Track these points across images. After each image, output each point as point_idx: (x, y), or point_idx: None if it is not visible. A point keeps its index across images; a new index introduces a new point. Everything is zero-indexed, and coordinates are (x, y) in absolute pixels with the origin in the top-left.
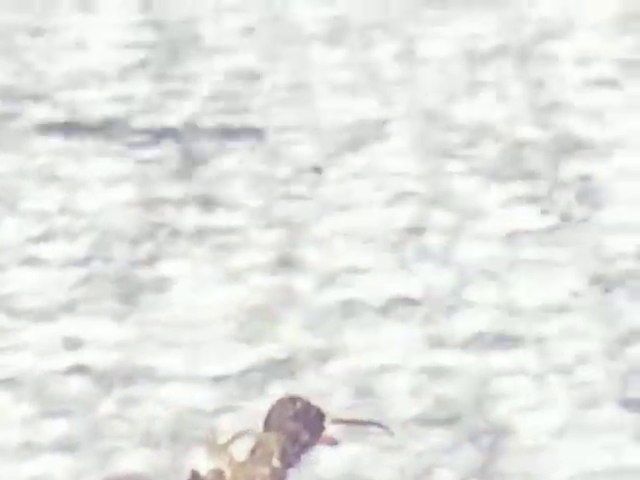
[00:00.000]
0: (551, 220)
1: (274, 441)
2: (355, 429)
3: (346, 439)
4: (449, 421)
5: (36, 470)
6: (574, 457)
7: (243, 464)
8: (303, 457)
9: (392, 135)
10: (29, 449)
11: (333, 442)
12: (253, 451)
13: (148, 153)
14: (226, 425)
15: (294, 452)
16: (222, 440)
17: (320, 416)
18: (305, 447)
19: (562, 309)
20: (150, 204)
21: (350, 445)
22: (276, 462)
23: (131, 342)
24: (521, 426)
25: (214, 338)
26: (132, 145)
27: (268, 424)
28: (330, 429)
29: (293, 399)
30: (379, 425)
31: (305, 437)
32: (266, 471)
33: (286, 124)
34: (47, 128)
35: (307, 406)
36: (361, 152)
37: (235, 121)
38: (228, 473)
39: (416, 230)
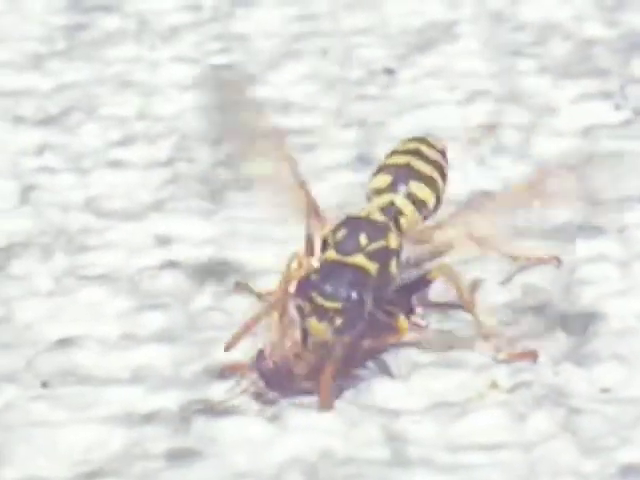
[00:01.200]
0: (625, 114)
1: None
2: None
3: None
4: (538, 308)
5: (139, 360)
6: None
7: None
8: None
9: (461, 36)
10: (129, 340)
11: (423, 326)
12: None
13: (219, 59)
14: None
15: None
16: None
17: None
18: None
19: None
20: (226, 108)
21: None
22: None
23: (221, 238)
24: (610, 311)
25: (301, 233)
26: (204, 52)
27: None
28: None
29: None
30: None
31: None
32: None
33: (355, 28)
34: (118, 38)
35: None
36: (431, 53)
37: (303, 27)
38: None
39: (492, 126)
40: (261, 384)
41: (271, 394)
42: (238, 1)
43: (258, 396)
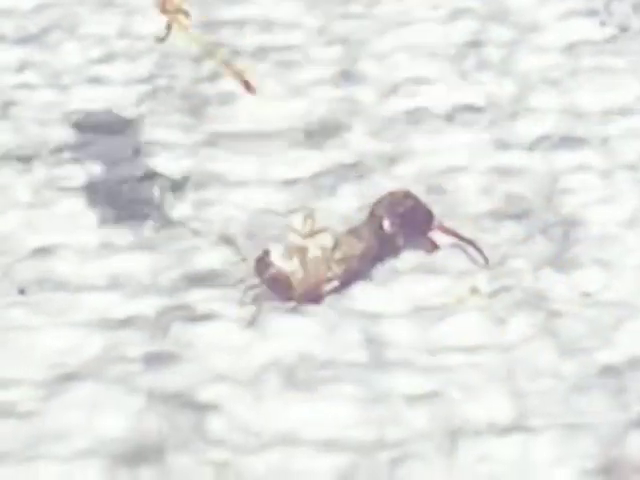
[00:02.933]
0: (609, 31)
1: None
2: (455, 241)
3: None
4: (520, 215)
5: (117, 267)
6: None
7: (316, 260)
8: (386, 261)
9: None
10: (108, 249)
11: (434, 248)
12: (330, 250)
13: None
14: (298, 224)
15: (379, 256)
16: (296, 239)
17: (429, 218)
18: (395, 252)
19: (625, 112)
20: (209, 25)
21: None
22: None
23: (200, 150)
24: (591, 218)
25: (282, 146)
26: None
27: (374, 213)
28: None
29: (406, 194)
30: (479, 249)
31: (400, 243)
32: (340, 270)
33: None
34: None
35: (417, 204)
36: None
37: None
38: (299, 271)
39: (475, 43)
40: (260, 288)
41: (265, 299)
42: None
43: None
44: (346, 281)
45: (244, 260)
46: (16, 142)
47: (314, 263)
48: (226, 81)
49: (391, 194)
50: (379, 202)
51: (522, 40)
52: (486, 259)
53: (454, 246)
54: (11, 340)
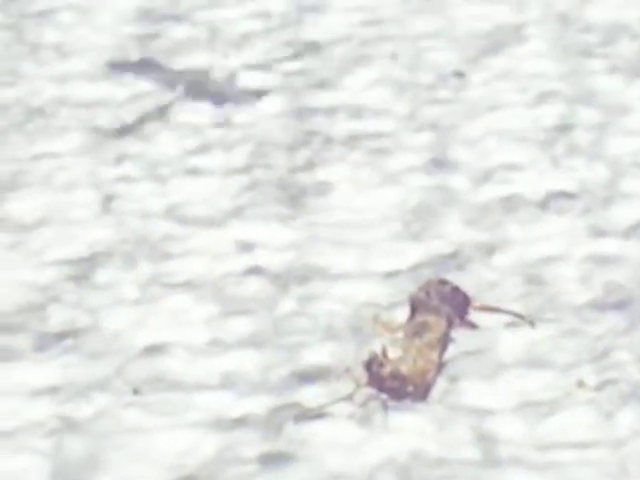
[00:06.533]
0: None
1: (441, 326)
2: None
3: (523, 325)
4: (620, 305)
5: (227, 365)
6: None
7: (412, 342)
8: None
9: (529, 38)
10: (217, 346)
11: (474, 327)
12: (419, 333)
13: (291, 65)
14: (386, 317)
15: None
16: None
17: (466, 300)
18: (450, 330)
19: None
20: (300, 113)
21: (528, 330)
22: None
23: (301, 243)
24: None
25: (381, 237)
26: (275, 59)
27: (415, 303)
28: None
29: (442, 281)
30: (520, 316)
31: (456, 321)
32: (434, 356)
33: (422, 32)
34: (190, 46)
35: (455, 289)
36: (500, 55)
37: (371, 32)
38: (395, 351)
39: (564, 127)
40: (371, 389)
41: (379, 398)
42: (306, 7)
43: (362, 400)
44: (440, 366)
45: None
46: (119, 237)
47: (418, 354)
48: (320, 170)
49: (428, 283)
50: (419, 292)
51: (611, 123)
52: (532, 323)
53: (556, 338)
54: (128, 442)
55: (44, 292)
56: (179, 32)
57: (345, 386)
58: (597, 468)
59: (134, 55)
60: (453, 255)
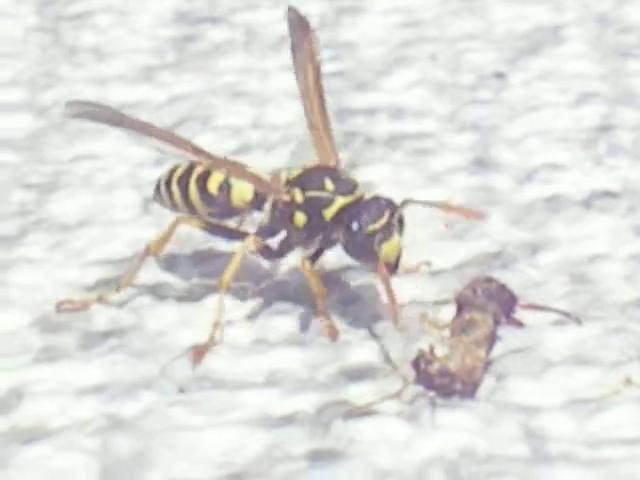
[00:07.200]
0: None
1: (488, 323)
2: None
3: (570, 323)
4: None
5: (272, 363)
6: None
7: (459, 339)
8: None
9: (568, 39)
10: (261, 344)
11: (520, 325)
12: (465, 331)
13: (329, 67)
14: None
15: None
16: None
17: (512, 298)
18: (497, 328)
19: None
20: (340, 114)
21: (574, 328)
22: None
23: None
24: None
25: (425, 236)
26: None
27: (461, 301)
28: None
29: (488, 279)
30: (566, 314)
31: (503, 319)
32: (482, 353)
33: (461, 33)
34: (227, 48)
35: (501, 287)
36: (540, 56)
37: (410, 33)
38: (442, 349)
39: (606, 127)
40: (419, 386)
41: (427, 396)
42: (344, 9)
43: (410, 398)
44: (487, 364)
45: None
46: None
47: (465, 351)
48: (363, 170)
49: (474, 281)
50: (465, 290)
51: None
52: (578, 321)
53: (603, 336)
54: (175, 439)
55: (88, 292)
56: (216, 34)
57: (393, 384)
58: None
59: (171, 57)
60: (498, 254)
